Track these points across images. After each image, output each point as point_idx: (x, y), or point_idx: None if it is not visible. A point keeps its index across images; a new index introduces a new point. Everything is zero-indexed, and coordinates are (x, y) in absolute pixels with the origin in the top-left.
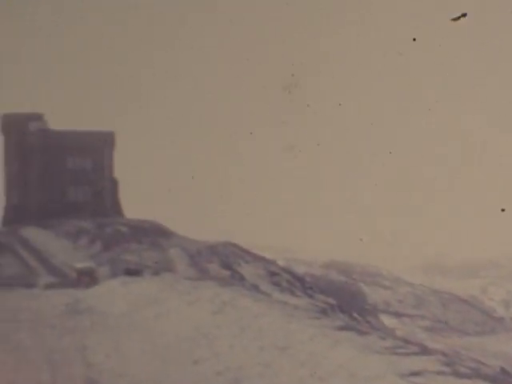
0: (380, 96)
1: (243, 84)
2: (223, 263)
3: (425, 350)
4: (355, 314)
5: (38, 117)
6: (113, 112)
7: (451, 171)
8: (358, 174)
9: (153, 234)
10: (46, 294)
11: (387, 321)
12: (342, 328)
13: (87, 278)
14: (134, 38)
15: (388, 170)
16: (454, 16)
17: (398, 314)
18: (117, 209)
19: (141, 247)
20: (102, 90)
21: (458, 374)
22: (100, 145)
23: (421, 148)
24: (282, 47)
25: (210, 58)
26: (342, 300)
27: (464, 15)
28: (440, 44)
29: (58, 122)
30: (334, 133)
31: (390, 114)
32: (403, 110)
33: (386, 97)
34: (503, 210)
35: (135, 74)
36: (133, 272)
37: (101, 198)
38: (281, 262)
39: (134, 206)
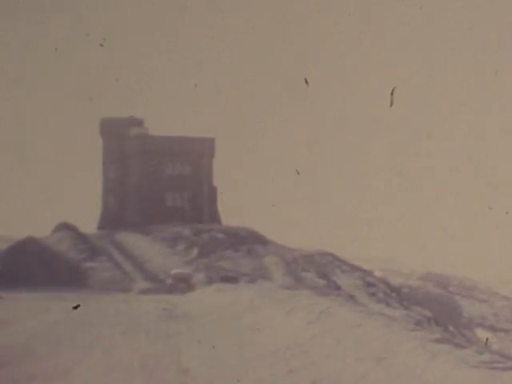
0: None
1: None
2: (319, 272)
3: None
4: (451, 327)
5: (139, 122)
6: (214, 119)
7: None
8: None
9: (249, 241)
10: (140, 298)
11: (482, 334)
12: (439, 341)
13: (183, 284)
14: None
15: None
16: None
17: (493, 328)
18: (214, 216)
19: (237, 255)
20: (202, 96)
21: None
22: (199, 151)
23: None
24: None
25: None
26: (438, 312)
27: None
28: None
29: (158, 127)
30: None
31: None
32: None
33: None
34: None
35: (229, 78)
36: (229, 279)
37: (199, 205)
38: (377, 273)
39: (232, 213)
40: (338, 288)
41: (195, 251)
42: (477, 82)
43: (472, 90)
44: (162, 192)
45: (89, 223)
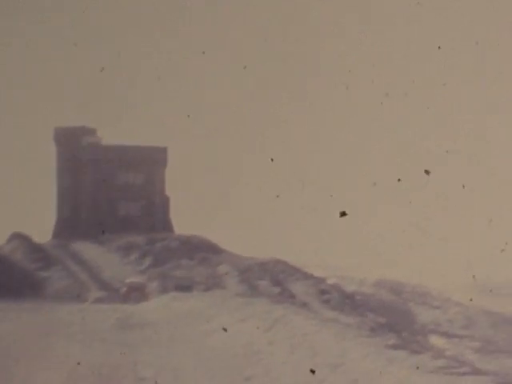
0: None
1: None
2: (273, 280)
3: (478, 371)
4: (405, 334)
5: (91, 131)
6: (164, 127)
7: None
8: (409, 187)
9: (203, 250)
10: (96, 308)
11: (436, 341)
12: (394, 347)
13: (137, 293)
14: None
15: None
16: None
17: (447, 334)
18: (167, 225)
19: (191, 263)
20: (151, 104)
21: None
22: (152, 160)
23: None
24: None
25: None
26: (392, 319)
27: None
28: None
29: (111, 136)
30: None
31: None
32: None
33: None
34: None
35: (190, 85)
36: (183, 288)
37: (152, 214)
38: (331, 281)
39: (184, 221)
40: (293, 296)
41: (149, 260)
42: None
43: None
44: (114, 201)
45: (43, 233)
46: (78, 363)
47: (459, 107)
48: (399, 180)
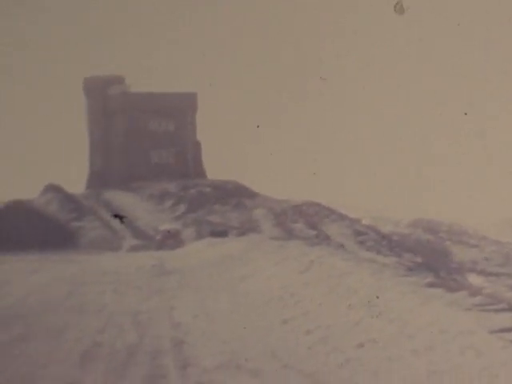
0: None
1: None
2: (308, 223)
3: None
4: (442, 273)
5: (120, 79)
6: (194, 73)
7: None
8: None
9: (237, 194)
10: (130, 256)
11: (474, 279)
12: (430, 285)
13: (172, 240)
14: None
15: (466, 128)
16: None
17: (484, 273)
18: (200, 170)
19: (225, 208)
20: (181, 51)
21: None
22: (182, 107)
23: None
24: None
25: None
26: (429, 258)
27: None
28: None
29: (140, 84)
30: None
31: None
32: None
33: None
34: None
35: (224, 34)
36: (218, 233)
37: (184, 160)
38: (366, 221)
39: (217, 167)
40: (328, 238)
41: (183, 207)
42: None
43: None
44: (146, 149)
45: (76, 184)
46: (114, 311)
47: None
48: (440, 114)
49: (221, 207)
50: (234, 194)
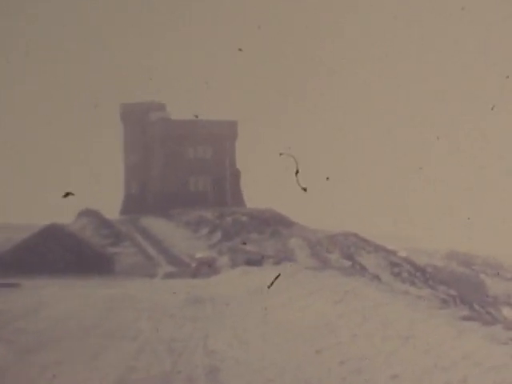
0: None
1: None
2: (344, 253)
3: None
4: (476, 306)
5: (160, 106)
6: (236, 101)
7: None
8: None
9: (273, 223)
10: (165, 283)
11: (508, 313)
12: (465, 318)
13: (207, 268)
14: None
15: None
16: None
17: None
18: (238, 198)
19: (261, 237)
20: (222, 79)
21: None
22: (222, 134)
23: None
24: None
25: None
26: (463, 291)
27: None
28: None
29: (179, 112)
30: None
31: None
32: None
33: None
34: None
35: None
36: (253, 262)
37: (222, 188)
38: (402, 253)
39: (255, 195)
40: (363, 268)
41: (218, 235)
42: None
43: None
44: (184, 176)
45: (111, 209)
46: (149, 338)
47: None
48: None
49: (257, 236)
50: (271, 223)
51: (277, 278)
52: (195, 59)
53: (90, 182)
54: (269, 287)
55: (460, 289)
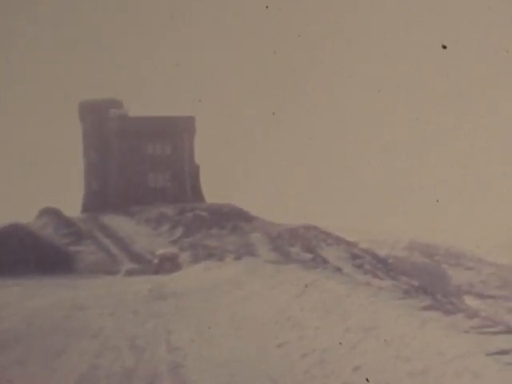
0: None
1: None
2: (305, 246)
3: None
4: (439, 296)
5: (118, 103)
6: (191, 98)
7: None
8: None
9: (233, 218)
10: (127, 280)
11: (471, 302)
12: (427, 308)
13: (169, 264)
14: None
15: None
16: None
17: (481, 296)
18: (198, 194)
19: (222, 232)
20: (178, 75)
21: None
22: (180, 130)
23: None
24: None
25: None
26: (426, 281)
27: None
28: None
29: (136, 109)
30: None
31: None
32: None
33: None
34: None
35: (219, 57)
36: (215, 257)
37: (181, 184)
38: (363, 245)
39: (214, 190)
40: (325, 261)
41: (179, 230)
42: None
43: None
44: (143, 173)
45: (72, 207)
46: (111, 335)
47: None
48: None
49: (218, 231)
50: (231, 218)
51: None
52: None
53: (51, 181)
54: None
55: (422, 279)
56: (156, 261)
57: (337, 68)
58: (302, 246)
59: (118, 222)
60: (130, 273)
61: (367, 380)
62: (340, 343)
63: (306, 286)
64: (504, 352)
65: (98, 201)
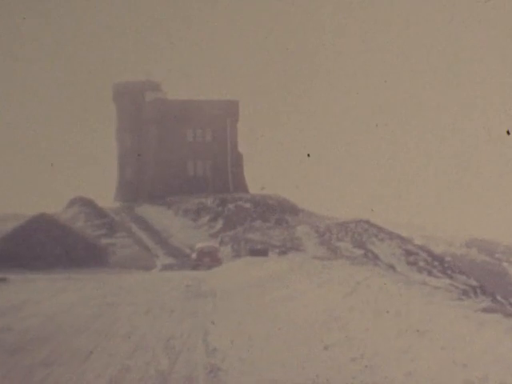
0: None
1: None
2: (355, 241)
3: None
4: (499, 297)
5: (155, 85)
6: (235, 80)
7: None
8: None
9: (279, 210)
10: (163, 275)
11: None
12: (486, 310)
13: (208, 259)
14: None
15: None
16: None
17: None
18: (241, 184)
19: (266, 225)
20: (220, 57)
21: None
22: (222, 115)
23: None
24: None
25: None
26: (485, 281)
27: None
28: None
29: (176, 91)
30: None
31: None
32: None
33: None
34: None
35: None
36: (258, 252)
37: (223, 173)
38: (418, 241)
39: (258, 180)
40: (376, 258)
41: (220, 223)
42: None
43: None
44: (182, 160)
45: (105, 196)
46: (145, 335)
47: None
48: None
49: (261, 224)
50: (276, 210)
51: None
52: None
53: (82, 168)
54: None
55: (481, 278)
56: (194, 255)
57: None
58: (351, 240)
59: (153, 214)
60: (166, 268)
61: None
62: (391, 347)
63: (357, 284)
64: None
65: (132, 190)
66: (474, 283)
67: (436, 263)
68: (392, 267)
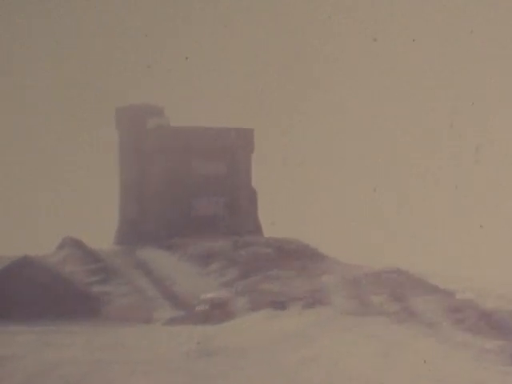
0: None
1: None
2: (390, 295)
3: None
4: None
5: (158, 110)
6: (250, 107)
7: None
8: None
9: (301, 257)
10: (167, 330)
11: None
12: None
13: (219, 312)
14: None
15: None
16: None
17: None
18: (255, 225)
19: (287, 274)
20: (233, 80)
21: None
22: (235, 145)
23: None
24: None
25: None
26: None
27: None
28: None
29: (181, 117)
30: None
31: None
32: None
33: None
34: None
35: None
36: (278, 305)
37: (236, 212)
38: (464, 295)
39: (276, 221)
40: (415, 314)
41: (234, 270)
42: None
43: None
44: (190, 197)
45: (102, 237)
46: None
47: None
48: None
49: (280, 272)
50: (298, 256)
51: None
52: (195, 62)
53: (77, 204)
54: None
55: None
56: (203, 307)
57: None
58: (385, 294)
59: (156, 258)
60: (170, 321)
61: None
62: None
63: (394, 344)
64: None
65: (134, 231)
66: None
67: (484, 321)
68: (433, 325)
